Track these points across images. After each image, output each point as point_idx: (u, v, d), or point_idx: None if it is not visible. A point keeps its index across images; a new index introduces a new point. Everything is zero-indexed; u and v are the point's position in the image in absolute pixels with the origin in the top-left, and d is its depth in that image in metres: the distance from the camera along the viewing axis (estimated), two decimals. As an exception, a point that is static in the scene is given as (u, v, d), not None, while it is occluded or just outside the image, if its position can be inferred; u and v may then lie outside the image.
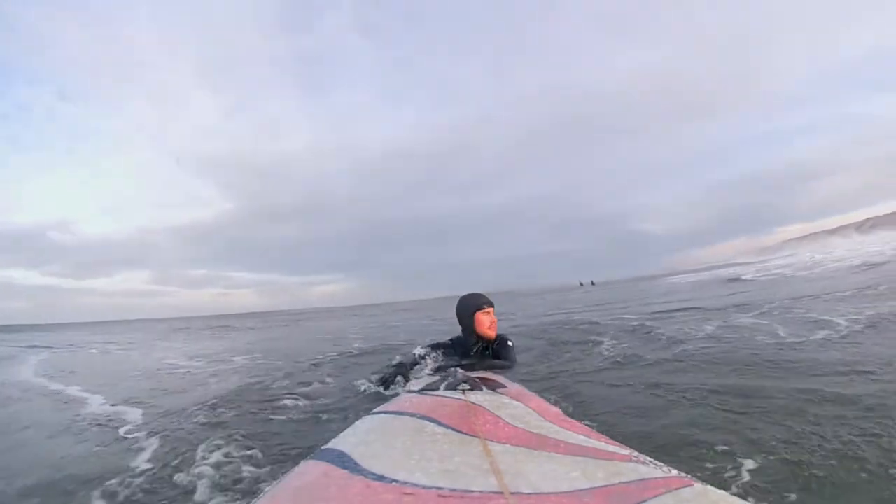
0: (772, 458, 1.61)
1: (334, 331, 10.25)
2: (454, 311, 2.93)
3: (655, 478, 1.07)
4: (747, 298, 7.31)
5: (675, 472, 1.11)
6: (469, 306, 2.81)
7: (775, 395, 2.22)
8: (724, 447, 1.72)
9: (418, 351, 2.88)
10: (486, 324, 2.78)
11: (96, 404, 3.44)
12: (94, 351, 9.68)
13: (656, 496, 0.97)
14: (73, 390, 4.13)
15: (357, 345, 6.38)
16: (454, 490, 0.97)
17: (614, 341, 4.41)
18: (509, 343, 2.87)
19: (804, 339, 3.44)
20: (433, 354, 2.85)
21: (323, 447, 1.22)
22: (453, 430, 1.33)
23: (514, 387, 1.99)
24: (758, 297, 7.09)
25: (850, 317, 4.05)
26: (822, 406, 2.04)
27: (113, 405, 3.35)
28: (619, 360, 3.50)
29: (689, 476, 1.10)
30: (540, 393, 2.29)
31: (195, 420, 2.71)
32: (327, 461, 1.11)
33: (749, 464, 1.58)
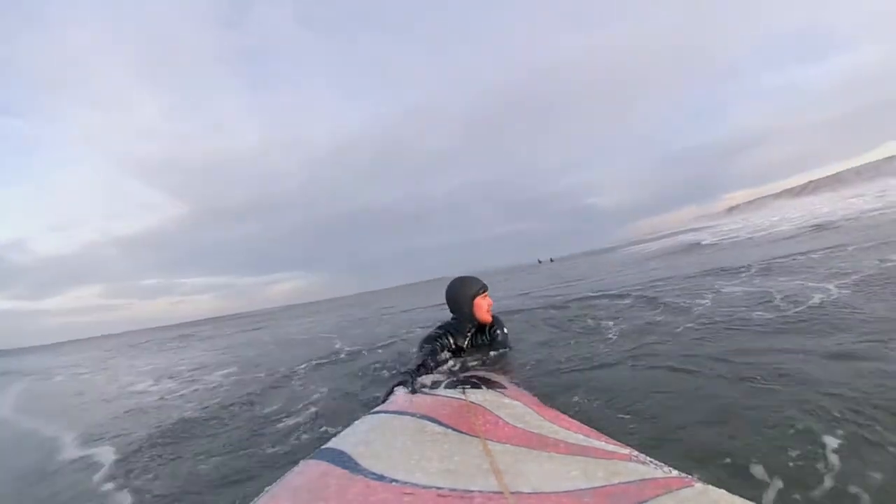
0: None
1: (306, 332, 9.81)
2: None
3: (656, 478, 1.08)
4: (719, 263, 7.02)
5: (675, 472, 1.12)
6: (467, 292, 2.78)
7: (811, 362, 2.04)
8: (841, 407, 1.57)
9: (421, 351, 2.73)
10: (485, 308, 2.79)
11: (72, 447, 3.25)
12: (60, 378, 9.47)
13: (656, 496, 0.98)
14: (52, 430, 3.95)
15: (338, 345, 6.05)
16: (454, 490, 0.98)
17: (615, 322, 4.03)
18: (504, 330, 2.88)
19: (803, 304, 3.28)
20: (443, 354, 2.73)
21: (322, 447, 1.23)
22: (453, 429, 1.33)
23: (514, 386, 2.00)
24: (729, 262, 6.83)
25: (837, 280, 3.89)
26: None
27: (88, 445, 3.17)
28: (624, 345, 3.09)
29: (690, 476, 1.11)
30: (552, 387, 2.28)
31: (189, 468, 2.32)
32: (327, 461, 1.12)
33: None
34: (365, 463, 1.08)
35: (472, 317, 2.79)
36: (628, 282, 7.22)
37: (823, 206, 21.19)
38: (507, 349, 2.85)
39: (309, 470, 1.09)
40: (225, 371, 5.68)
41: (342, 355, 5.01)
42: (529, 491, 0.99)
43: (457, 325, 2.84)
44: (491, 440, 1.25)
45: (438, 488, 0.98)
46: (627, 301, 5.13)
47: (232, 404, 3.45)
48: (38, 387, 8.49)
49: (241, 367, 5.76)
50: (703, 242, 14.70)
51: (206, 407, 3.57)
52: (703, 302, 4.11)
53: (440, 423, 1.38)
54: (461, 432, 1.31)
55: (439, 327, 2.90)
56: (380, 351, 4.87)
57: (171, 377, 6.15)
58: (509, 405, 1.61)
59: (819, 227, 10.39)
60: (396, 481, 1.00)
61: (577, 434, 1.36)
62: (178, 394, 4.67)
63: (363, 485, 0.99)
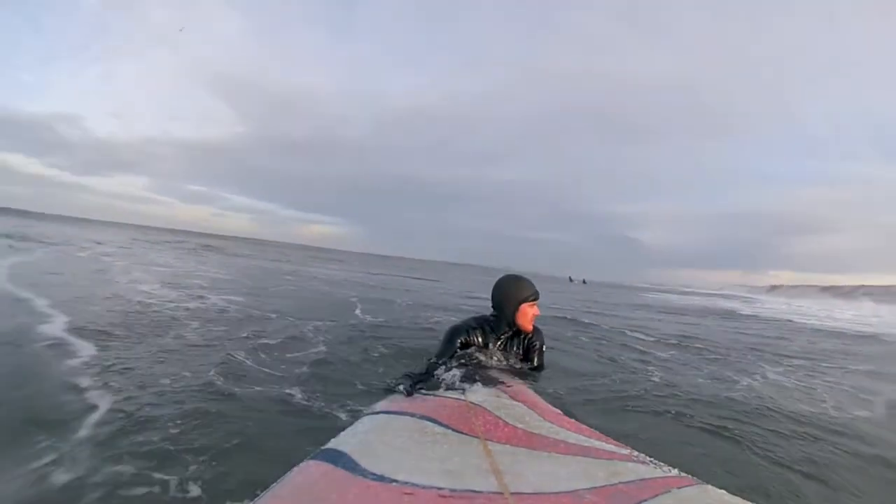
0: None
1: (331, 285, 8.79)
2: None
3: (655, 477, 1.07)
4: (761, 341, 6.64)
5: (675, 472, 1.11)
6: (515, 295, 2.53)
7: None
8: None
9: (447, 346, 2.52)
10: (529, 317, 2.56)
11: (58, 327, 3.23)
12: (82, 255, 9.37)
13: (656, 495, 0.97)
14: (42, 304, 3.92)
15: (358, 312, 5.54)
16: (454, 490, 0.97)
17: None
18: (543, 346, 2.68)
19: (853, 415, 3.04)
20: (477, 356, 2.51)
21: (323, 447, 1.22)
22: (453, 430, 1.33)
23: (514, 386, 1.99)
24: (772, 345, 6.44)
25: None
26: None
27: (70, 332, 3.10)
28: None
29: (690, 475, 1.11)
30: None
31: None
32: (327, 461, 1.11)
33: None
34: (365, 463, 1.08)
35: (512, 321, 2.56)
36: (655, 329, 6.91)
37: (879, 315, 19.37)
38: (539, 369, 2.62)
39: (309, 470, 1.09)
40: (231, 299, 5.29)
41: (362, 328, 4.45)
42: (530, 491, 0.98)
43: (494, 324, 2.61)
44: (491, 441, 1.25)
45: (439, 489, 0.98)
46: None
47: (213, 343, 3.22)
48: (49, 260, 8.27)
49: (248, 301, 5.35)
50: (741, 312, 13.88)
51: (200, 333, 3.50)
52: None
53: (440, 424, 1.37)
54: (461, 433, 1.31)
55: (475, 319, 2.67)
56: (398, 332, 4.41)
57: (178, 287, 5.88)
58: (509, 405, 1.60)
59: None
60: (396, 482, 1.00)
61: (577, 434, 1.36)
62: (177, 305, 4.55)
63: (363, 485, 0.99)
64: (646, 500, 0.95)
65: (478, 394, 1.74)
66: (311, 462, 1.13)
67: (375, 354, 3.34)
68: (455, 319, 2.96)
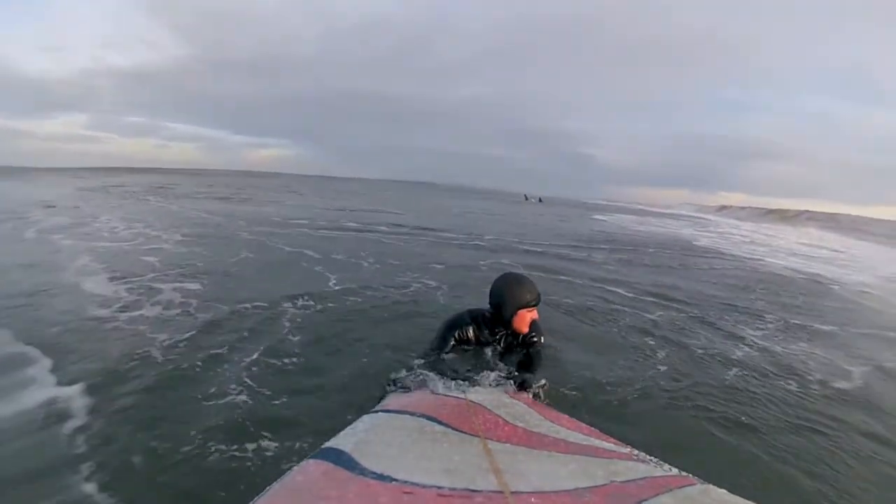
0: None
1: (292, 241, 6.93)
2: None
3: (656, 476, 1.08)
4: (747, 303, 5.70)
5: (675, 471, 1.12)
6: (515, 300, 2.37)
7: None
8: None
9: (440, 344, 2.42)
10: (527, 321, 2.44)
11: None
12: (13, 228, 7.06)
13: (657, 495, 0.98)
14: None
15: (333, 283, 4.57)
16: (454, 489, 0.97)
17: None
18: (541, 339, 2.54)
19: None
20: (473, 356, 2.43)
21: (323, 446, 1.22)
22: (453, 429, 1.33)
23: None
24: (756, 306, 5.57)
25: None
26: None
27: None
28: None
29: (690, 475, 1.12)
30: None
31: None
32: (327, 460, 1.11)
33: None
34: (365, 462, 1.07)
35: (509, 324, 2.44)
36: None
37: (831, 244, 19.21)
38: (534, 371, 2.37)
39: (309, 469, 1.08)
40: (189, 289, 4.01)
41: (343, 310, 3.68)
42: (529, 490, 0.98)
43: (490, 321, 2.50)
44: (491, 440, 1.25)
45: (438, 487, 0.97)
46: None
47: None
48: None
49: (208, 288, 4.09)
50: (696, 243, 13.39)
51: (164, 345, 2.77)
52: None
53: (440, 423, 1.37)
54: (461, 432, 1.31)
55: (469, 314, 2.55)
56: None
57: (127, 276, 4.25)
58: (509, 404, 1.60)
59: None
60: (396, 480, 1.00)
61: (576, 433, 1.36)
62: (130, 315, 3.31)
63: (363, 484, 0.99)
64: (646, 500, 0.96)
65: (478, 393, 1.74)
66: (311, 461, 1.13)
67: (367, 351, 2.89)
68: (436, 292, 2.83)
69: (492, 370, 2.17)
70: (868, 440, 2.39)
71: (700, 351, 3.52)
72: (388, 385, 2.02)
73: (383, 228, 9.23)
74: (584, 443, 1.29)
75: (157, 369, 2.47)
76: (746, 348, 3.72)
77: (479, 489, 0.97)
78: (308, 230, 8.04)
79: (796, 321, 4.96)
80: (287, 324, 3.25)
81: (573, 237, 11.22)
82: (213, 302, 3.60)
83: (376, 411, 1.53)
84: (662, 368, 3.05)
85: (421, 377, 1.96)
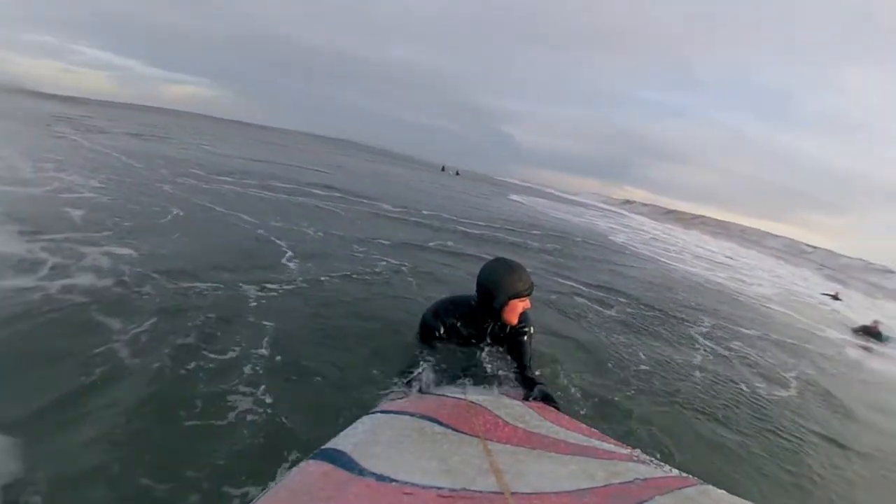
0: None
1: (224, 201, 6.22)
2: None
3: (655, 477, 1.09)
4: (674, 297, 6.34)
5: (675, 472, 1.14)
6: (507, 289, 2.15)
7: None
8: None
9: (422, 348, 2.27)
10: (519, 310, 2.23)
11: None
12: None
13: (657, 495, 0.99)
14: None
15: (288, 258, 4.08)
16: (454, 490, 0.98)
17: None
18: (531, 329, 2.36)
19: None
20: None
21: (323, 447, 1.22)
22: (453, 429, 1.33)
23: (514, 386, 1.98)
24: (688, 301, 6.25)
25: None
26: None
27: None
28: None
29: (690, 476, 1.13)
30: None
31: None
32: (327, 461, 1.12)
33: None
34: (365, 463, 1.08)
35: (498, 315, 2.22)
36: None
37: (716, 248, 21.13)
38: (528, 363, 2.30)
39: (309, 470, 1.09)
40: (118, 254, 3.39)
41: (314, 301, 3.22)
42: (529, 491, 0.99)
43: (476, 311, 2.29)
44: (491, 440, 1.26)
45: (438, 488, 0.98)
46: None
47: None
48: None
49: (141, 254, 3.47)
50: (614, 237, 14.00)
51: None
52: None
53: (440, 423, 1.37)
54: (461, 432, 1.32)
55: (452, 303, 2.36)
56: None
57: (45, 233, 3.50)
58: (509, 405, 1.60)
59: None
60: (396, 481, 1.01)
61: (576, 434, 1.37)
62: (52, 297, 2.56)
63: (363, 485, 1.00)
64: (645, 501, 0.97)
65: (478, 393, 1.74)
66: (311, 462, 1.13)
67: (353, 342, 2.65)
68: (400, 274, 2.84)
69: (492, 373, 2.09)
70: (816, 437, 2.97)
71: (668, 349, 3.95)
72: (387, 389, 1.94)
73: (317, 192, 8.54)
74: (584, 443, 1.30)
75: (134, 379, 1.97)
76: (702, 350, 4.25)
77: (479, 490, 0.98)
78: (236, 187, 7.19)
79: (724, 324, 5.71)
80: (255, 308, 2.85)
81: (504, 220, 11.25)
82: (157, 276, 3.05)
83: (376, 412, 1.53)
84: (644, 367, 3.34)
85: (417, 384, 1.87)
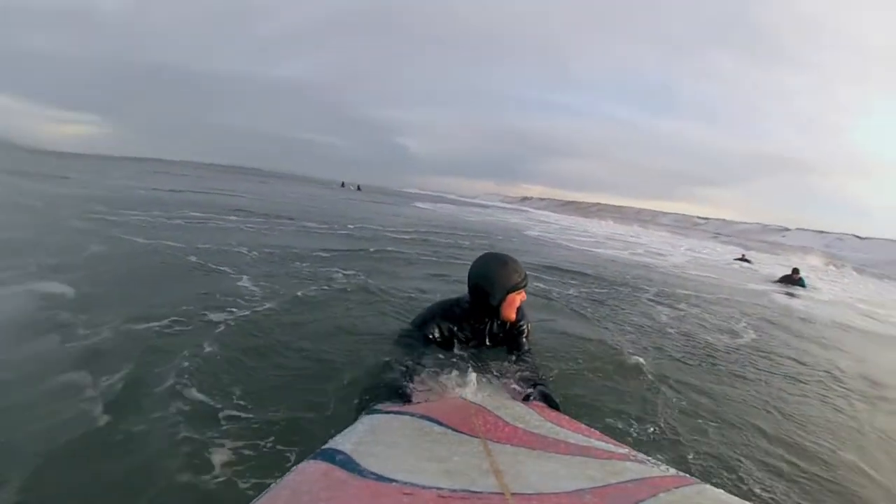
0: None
1: (118, 213, 6.29)
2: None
3: (654, 476, 1.09)
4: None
5: (673, 471, 1.14)
6: (503, 283, 2.06)
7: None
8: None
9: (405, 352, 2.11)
10: (517, 304, 2.15)
11: None
12: None
13: (655, 495, 0.99)
14: None
15: (244, 281, 3.72)
16: (454, 490, 0.98)
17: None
18: (529, 325, 2.29)
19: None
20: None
21: (322, 447, 1.22)
22: (453, 430, 1.33)
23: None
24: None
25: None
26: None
27: None
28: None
29: (687, 475, 1.14)
30: None
31: None
32: (327, 461, 1.11)
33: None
34: (365, 463, 1.08)
35: (496, 311, 2.13)
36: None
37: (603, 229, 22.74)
38: (527, 354, 2.23)
39: (309, 470, 1.09)
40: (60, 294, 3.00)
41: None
42: (529, 491, 0.99)
43: (470, 313, 2.18)
44: (491, 440, 1.26)
45: (438, 489, 0.98)
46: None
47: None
48: None
49: (91, 293, 3.11)
50: (528, 232, 14.84)
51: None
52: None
53: (440, 424, 1.37)
54: (461, 432, 1.31)
55: (440, 307, 2.26)
56: None
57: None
58: (509, 405, 1.60)
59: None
60: (396, 482, 1.00)
61: (576, 434, 1.37)
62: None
63: (362, 485, 1.00)
64: (643, 500, 0.97)
65: (478, 393, 1.73)
66: (311, 462, 1.13)
67: (344, 360, 2.44)
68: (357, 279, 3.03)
69: (492, 373, 2.01)
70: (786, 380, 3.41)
71: (635, 315, 4.53)
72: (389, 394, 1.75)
73: (232, 217, 8.03)
74: (584, 444, 1.30)
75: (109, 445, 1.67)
76: (662, 312, 4.91)
77: (479, 490, 0.99)
78: (148, 218, 6.59)
79: (665, 290, 6.49)
80: (220, 335, 2.54)
81: (427, 224, 11.73)
82: (102, 314, 2.67)
83: (376, 412, 1.52)
84: (629, 330, 3.91)
85: (411, 388, 1.76)
